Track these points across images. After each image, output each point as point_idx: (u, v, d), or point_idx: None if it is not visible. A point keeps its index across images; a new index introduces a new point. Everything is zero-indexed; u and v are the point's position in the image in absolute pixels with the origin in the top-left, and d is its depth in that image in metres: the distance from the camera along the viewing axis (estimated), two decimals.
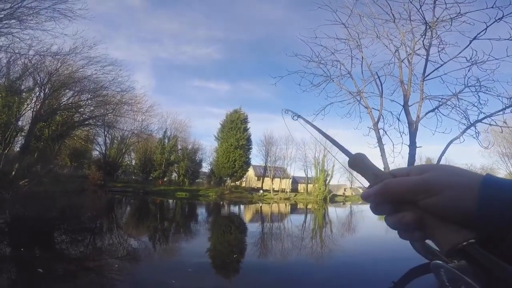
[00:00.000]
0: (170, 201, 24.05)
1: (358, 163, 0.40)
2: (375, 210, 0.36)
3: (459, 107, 5.65)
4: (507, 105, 5.03)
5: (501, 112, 5.14)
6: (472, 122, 5.48)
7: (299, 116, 0.61)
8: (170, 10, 73.12)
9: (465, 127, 5.57)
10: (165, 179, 38.83)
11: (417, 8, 4.69)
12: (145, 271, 4.97)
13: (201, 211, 18.77)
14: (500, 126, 5.31)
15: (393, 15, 5.29)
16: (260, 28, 75.10)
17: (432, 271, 0.30)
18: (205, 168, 44.31)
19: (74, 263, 4.93)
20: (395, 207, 0.34)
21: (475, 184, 0.30)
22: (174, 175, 41.37)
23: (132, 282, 4.30)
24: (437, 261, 0.32)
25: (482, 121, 5.37)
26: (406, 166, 6.00)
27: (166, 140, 38.69)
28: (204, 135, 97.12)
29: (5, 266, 4.62)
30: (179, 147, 40.48)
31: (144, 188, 29.84)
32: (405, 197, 0.33)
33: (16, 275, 4.26)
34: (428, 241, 0.34)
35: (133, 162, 38.80)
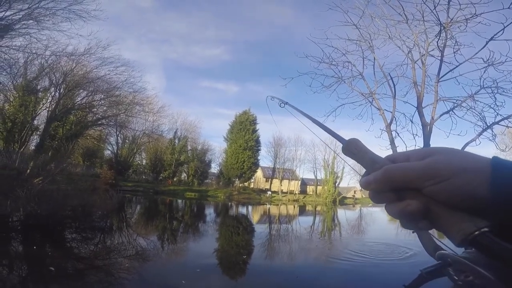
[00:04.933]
0: (180, 201, 24.29)
1: (352, 148, 0.37)
2: (375, 198, 0.33)
3: (474, 109, 5.46)
4: None
5: None
6: (488, 124, 5.29)
7: (286, 103, 0.59)
8: (179, 11, 74.10)
9: (481, 129, 5.38)
10: (174, 179, 39.29)
11: (430, 9, 4.56)
12: (154, 271, 5.00)
13: (210, 212, 18.87)
14: None
15: (405, 16, 5.18)
16: (269, 29, 75.20)
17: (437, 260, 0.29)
18: (214, 168, 44.69)
19: (85, 262, 5.01)
20: (398, 194, 0.31)
21: (485, 168, 0.27)
22: (184, 175, 41.85)
23: (141, 282, 4.33)
24: (444, 251, 0.31)
25: (499, 123, 5.19)
26: None
27: (176, 141, 39.17)
28: (213, 136, 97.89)
29: (18, 263, 4.74)
30: (189, 147, 40.93)
31: (154, 188, 30.25)
32: (409, 184, 0.30)
33: (28, 273, 4.36)
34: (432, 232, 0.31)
35: (144, 162, 39.50)
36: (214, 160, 44.44)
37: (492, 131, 5.34)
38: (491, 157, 0.29)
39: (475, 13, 4.29)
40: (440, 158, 0.30)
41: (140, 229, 9.21)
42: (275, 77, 73.36)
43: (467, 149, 5.51)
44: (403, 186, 0.30)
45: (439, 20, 4.64)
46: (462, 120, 5.69)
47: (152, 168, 36.94)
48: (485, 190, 0.26)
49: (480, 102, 5.39)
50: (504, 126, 5.26)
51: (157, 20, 69.19)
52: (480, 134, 5.39)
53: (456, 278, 0.27)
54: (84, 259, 5.17)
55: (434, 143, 5.77)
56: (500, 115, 5.16)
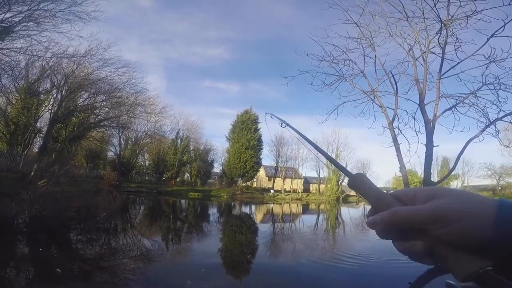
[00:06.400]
0: (183, 201, 24.38)
1: (358, 184, 0.39)
2: (382, 235, 0.35)
3: (477, 105, 5.44)
4: None
5: None
6: (491, 120, 5.27)
7: (287, 124, 0.59)
8: (180, 11, 74.22)
9: (484, 125, 5.36)
10: (177, 180, 39.42)
11: (430, 6, 4.55)
12: (159, 271, 5.03)
13: (213, 212, 18.92)
14: None
15: (406, 13, 5.16)
16: (270, 27, 75.13)
17: None
18: (217, 168, 44.78)
19: (90, 263, 5.05)
20: (404, 234, 0.33)
21: (490, 213, 0.29)
22: (187, 175, 41.97)
23: (146, 283, 4.36)
24: (451, 282, 0.33)
25: (502, 119, 5.16)
26: (424, 165, 5.87)
27: (179, 141, 39.26)
28: (215, 135, 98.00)
29: (25, 265, 4.79)
30: (191, 147, 41.03)
31: (157, 189, 30.37)
32: (415, 226, 0.32)
33: (35, 275, 4.41)
34: None
35: (147, 162, 39.67)
36: (217, 160, 44.54)
37: (495, 127, 5.32)
38: (496, 200, 0.31)
39: (475, 10, 4.28)
40: (446, 202, 0.31)
41: (144, 230, 9.26)
42: (276, 76, 73.23)
43: (471, 145, 5.50)
44: (409, 227, 0.32)
45: (440, 18, 4.62)
46: (465, 116, 5.66)
47: (155, 169, 37.10)
48: (489, 233, 0.28)
49: (483, 98, 5.36)
50: (507, 122, 5.23)
51: (158, 20, 69.48)
52: (483, 130, 5.37)
53: None
54: (89, 260, 5.21)
55: (437, 139, 5.75)
56: (503, 111, 5.14)
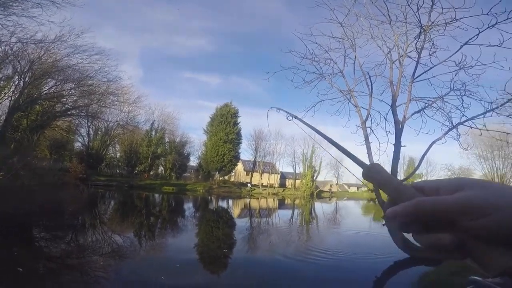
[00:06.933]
0: (157, 195, 23.74)
1: (374, 174, 0.36)
2: (402, 228, 0.32)
3: (443, 110, 5.84)
4: (488, 109, 5.24)
5: (481, 116, 5.36)
6: (454, 124, 5.68)
7: (294, 117, 0.58)
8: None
9: (448, 128, 5.76)
10: (151, 173, 38.27)
11: (414, 11, 4.76)
12: (132, 268, 4.87)
13: (189, 206, 18.64)
14: (480, 129, 5.54)
15: (389, 16, 5.36)
16: (255, 22, 74.62)
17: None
18: (193, 162, 44.07)
19: (56, 261, 4.75)
20: (429, 227, 0.30)
21: None
22: (161, 168, 40.86)
23: (119, 280, 4.20)
24: (475, 277, 0.31)
25: (464, 123, 5.58)
26: (391, 163, 6.17)
27: (153, 133, 38.04)
28: (192, 128, 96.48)
29: None
30: (167, 139, 39.93)
31: (129, 182, 29.29)
32: (443, 219, 0.29)
33: None
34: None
35: (118, 154, 37.95)
36: (193, 153, 43.83)
37: (457, 131, 5.76)
38: None
39: (454, 17, 4.53)
40: (476, 194, 0.29)
41: (115, 226, 8.90)
42: (258, 71, 73.25)
43: (434, 146, 5.88)
44: (435, 220, 0.29)
45: (420, 23, 4.85)
46: (431, 119, 6.07)
47: (126, 162, 35.63)
48: None
49: (449, 103, 5.77)
50: (468, 126, 5.67)
51: (139, 8, 65.97)
52: (446, 133, 5.77)
53: None
54: (55, 259, 4.90)
55: (405, 140, 6.09)
56: (466, 116, 5.57)
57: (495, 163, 28.64)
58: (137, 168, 36.47)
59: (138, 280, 4.22)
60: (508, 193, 0.29)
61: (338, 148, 0.46)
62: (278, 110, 0.63)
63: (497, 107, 5.22)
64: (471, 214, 0.28)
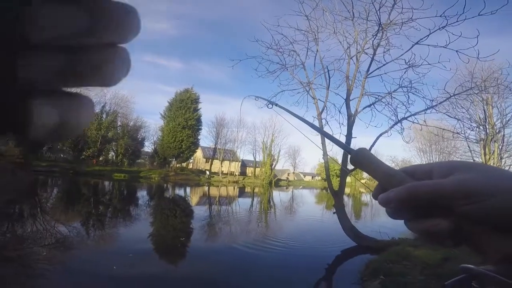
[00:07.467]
0: (107, 183, 22.21)
1: (361, 159, 0.35)
2: (394, 215, 0.30)
3: (391, 105, 6.39)
4: (429, 106, 5.89)
5: (423, 112, 6.00)
6: (399, 119, 6.28)
7: (275, 104, 0.56)
8: None
9: (393, 122, 6.35)
10: (100, 159, 35.52)
11: (376, 9, 5.04)
12: (79, 258, 4.56)
13: (143, 194, 17.82)
14: (421, 124, 6.20)
15: (353, 13, 5.63)
16: (223, 9, 72.06)
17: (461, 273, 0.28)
18: (148, 147, 41.93)
19: None
20: (422, 213, 0.29)
21: None
22: (112, 154, 38.14)
23: (65, 271, 3.91)
24: (467, 265, 0.29)
25: (408, 118, 6.20)
26: (342, 154, 6.63)
27: (104, 115, 35.11)
28: (149, 112, 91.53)
29: None
30: (119, 123, 37.18)
31: (74, 168, 26.87)
32: (438, 203, 0.28)
33: None
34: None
35: None
36: (148, 138, 41.72)
37: (402, 125, 6.37)
38: None
39: (411, 18, 4.91)
40: (474, 177, 0.28)
41: (59, 215, 8.16)
42: (222, 58, 71.63)
43: (381, 139, 6.46)
44: (430, 205, 0.28)
45: (380, 21, 5.17)
46: (380, 113, 6.62)
47: (72, 146, 32.49)
48: None
49: (396, 99, 6.33)
50: (411, 121, 6.32)
51: None
52: (391, 127, 6.36)
53: None
54: None
55: (356, 132, 6.58)
56: (409, 111, 6.19)
57: (432, 156, 32.16)
58: (84, 153, 33.52)
59: (87, 270, 3.98)
60: (507, 176, 0.28)
61: (324, 135, 0.46)
62: (256, 98, 0.62)
63: (436, 105, 5.89)
64: (469, 198, 0.27)
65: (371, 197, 0.34)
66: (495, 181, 0.27)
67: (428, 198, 0.28)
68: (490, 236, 0.26)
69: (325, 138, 5.37)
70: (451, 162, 0.30)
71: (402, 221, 0.31)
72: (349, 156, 0.37)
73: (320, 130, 0.50)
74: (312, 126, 0.48)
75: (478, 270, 0.27)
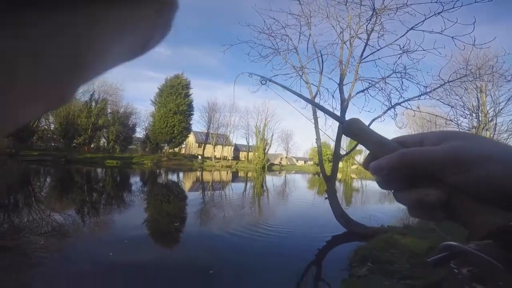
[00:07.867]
0: (99, 170, 22.05)
1: (354, 129, 0.34)
2: (386, 185, 0.30)
3: (384, 90, 6.42)
4: (423, 92, 5.94)
5: (417, 98, 6.05)
6: (393, 104, 6.33)
7: (268, 80, 0.56)
8: None
9: (387, 108, 6.41)
10: (92, 146, 35.10)
11: None
12: (76, 246, 4.63)
13: (136, 180, 17.81)
14: (414, 110, 6.27)
15: None
16: None
17: (440, 252, 0.26)
18: (140, 133, 41.46)
19: None
20: (412, 182, 0.28)
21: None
22: (103, 141, 37.66)
23: (63, 258, 3.98)
24: (450, 242, 0.27)
25: (401, 104, 6.26)
26: (335, 138, 6.71)
27: (94, 104, 34.34)
28: (139, 99, 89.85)
29: None
30: (109, 110, 36.48)
31: (66, 157, 26.51)
32: (429, 171, 0.27)
33: None
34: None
35: (52, 126, 33.60)
36: (140, 124, 41.11)
37: (395, 110, 6.43)
38: None
39: (406, 3, 4.85)
40: (463, 144, 0.27)
41: (53, 204, 8.15)
42: (214, 43, 69.85)
43: (373, 124, 6.54)
44: (421, 173, 0.27)
45: (374, 6, 5.09)
46: (373, 99, 6.66)
47: (63, 134, 31.88)
48: None
49: (390, 84, 6.35)
50: (404, 107, 6.38)
51: None
52: (385, 112, 6.42)
53: (457, 271, 0.25)
54: None
55: (348, 117, 6.56)
56: (403, 97, 6.23)
57: None
58: (75, 140, 32.98)
59: (84, 257, 4.05)
60: (496, 144, 0.27)
61: (316, 106, 0.46)
62: (250, 75, 0.62)
63: (430, 91, 5.93)
64: (458, 166, 0.26)
65: (363, 167, 0.33)
66: (485, 149, 0.26)
67: (419, 165, 0.27)
68: (477, 207, 0.25)
69: (318, 123, 5.36)
70: (442, 132, 0.30)
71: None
72: (341, 126, 0.37)
73: (311, 101, 0.50)
74: (304, 98, 0.49)
75: (460, 247, 0.25)
